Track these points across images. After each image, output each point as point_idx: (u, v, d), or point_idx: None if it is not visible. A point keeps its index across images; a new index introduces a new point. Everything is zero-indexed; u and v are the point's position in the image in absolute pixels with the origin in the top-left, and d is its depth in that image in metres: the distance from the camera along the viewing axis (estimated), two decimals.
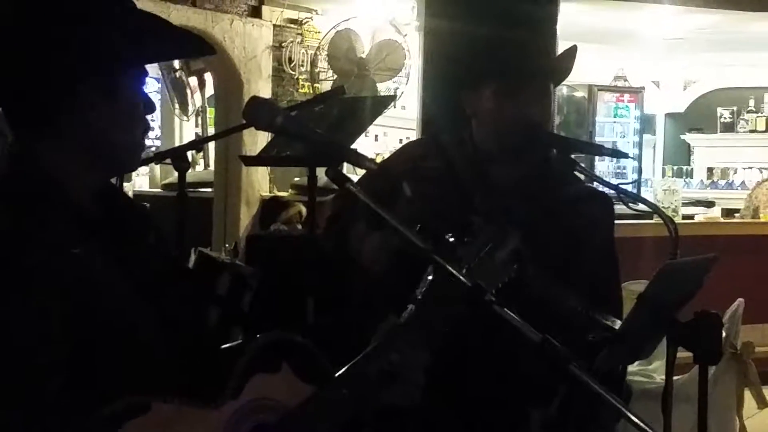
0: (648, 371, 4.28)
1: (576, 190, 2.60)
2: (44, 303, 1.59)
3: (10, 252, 1.60)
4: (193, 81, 11.78)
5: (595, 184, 2.79)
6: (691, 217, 9.10)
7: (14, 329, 1.56)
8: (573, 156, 2.64)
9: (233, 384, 1.72)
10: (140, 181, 11.50)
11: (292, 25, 9.39)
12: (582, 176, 2.69)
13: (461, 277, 1.72)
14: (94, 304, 1.66)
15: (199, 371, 1.77)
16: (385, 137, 11.27)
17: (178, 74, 11.71)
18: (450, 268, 1.72)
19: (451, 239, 2.17)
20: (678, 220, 6.79)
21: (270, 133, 5.09)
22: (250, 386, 1.73)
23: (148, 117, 1.84)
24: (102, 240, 1.74)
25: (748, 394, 4.50)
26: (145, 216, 1.95)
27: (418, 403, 1.80)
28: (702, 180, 13.39)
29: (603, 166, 9.45)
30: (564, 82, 2.74)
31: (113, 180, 1.97)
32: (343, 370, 1.80)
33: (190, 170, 4.25)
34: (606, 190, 2.69)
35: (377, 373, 1.76)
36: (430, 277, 2.30)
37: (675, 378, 2.48)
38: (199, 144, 7.91)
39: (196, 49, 1.98)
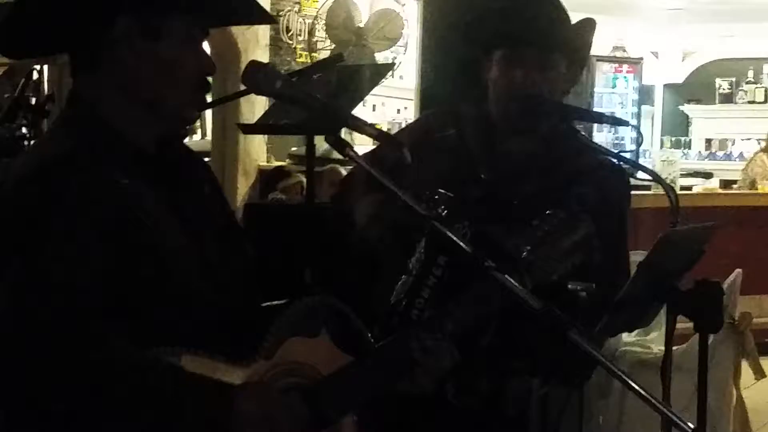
0: (646, 341, 4.27)
1: (593, 162, 2.57)
2: (91, 231, 1.58)
3: (63, 183, 1.59)
4: None
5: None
6: (690, 188, 9.09)
7: (62, 259, 1.55)
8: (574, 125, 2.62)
9: (267, 344, 1.69)
10: None
11: None
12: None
13: (461, 243, 1.70)
14: (137, 240, 1.63)
15: (236, 325, 1.73)
16: (383, 107, 11.22)
17: None
18: (450, 234, 1.71)
19: (445, 212, 2.16)
20: (676, 191, 6.78)
21: (268, 101, 5.05)
22: (284, 348, 1.70)
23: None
24: (157, 182, 1.72)
25: (745, 365, 4.50)
26: (202, 167, 1.94)
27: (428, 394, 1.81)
28: (700, 151, 13.37)
29: (601, 137, 9.40)
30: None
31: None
32: (384, 343, 1.79)
33: (187, 139, 4.24)
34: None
35: (416, 354, 1.75)
36: (422, 249, 2.30)
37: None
38: None
39: (257, 15, 1.96)
